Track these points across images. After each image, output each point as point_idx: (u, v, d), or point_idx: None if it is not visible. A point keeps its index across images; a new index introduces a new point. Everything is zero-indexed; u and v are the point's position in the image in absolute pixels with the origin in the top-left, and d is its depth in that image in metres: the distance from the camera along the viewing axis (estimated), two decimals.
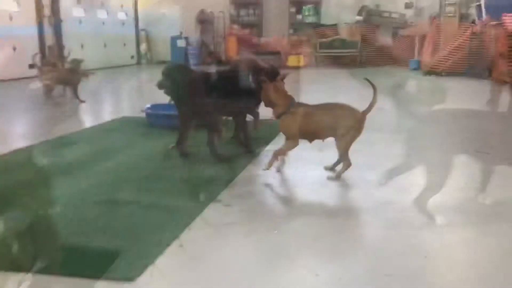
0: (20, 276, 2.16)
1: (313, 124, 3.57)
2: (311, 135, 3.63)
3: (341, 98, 3.95)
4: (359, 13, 15.80)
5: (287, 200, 3.33)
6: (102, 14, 15.52)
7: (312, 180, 3.58)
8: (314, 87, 9.79)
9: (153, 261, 2.28)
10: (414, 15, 15.71)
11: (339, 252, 2.48)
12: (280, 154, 3.65)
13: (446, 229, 2.80)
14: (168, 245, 2.46)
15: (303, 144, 3.67)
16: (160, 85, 3.97)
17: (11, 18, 11.62)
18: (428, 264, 2.34)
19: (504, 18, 9.93)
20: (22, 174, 3.71)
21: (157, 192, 3.29)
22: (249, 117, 4.41)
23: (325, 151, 3.86)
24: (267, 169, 3.59)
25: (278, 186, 3.51)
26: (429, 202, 3.15)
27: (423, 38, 13.53)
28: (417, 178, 3.64)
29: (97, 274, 2.16)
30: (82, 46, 14.31)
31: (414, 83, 11.31)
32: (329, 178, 3.57)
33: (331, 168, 3.68)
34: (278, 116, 3.60)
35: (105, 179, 3.61)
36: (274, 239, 2.60)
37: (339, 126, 3.48)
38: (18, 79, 11.60)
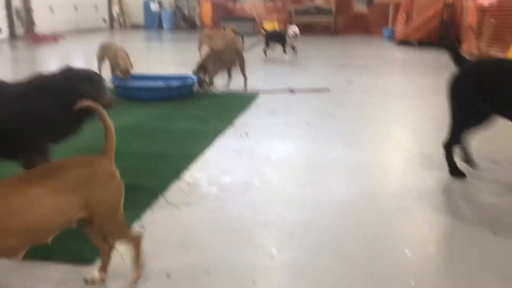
0: None
1: None
2: None
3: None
4: None
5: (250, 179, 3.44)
6: None
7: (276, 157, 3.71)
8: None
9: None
10: None
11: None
12: None
13: None
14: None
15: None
16: None
17: None
18: None
19: None
20: None
21: (121, 170, 3.33)
22: None
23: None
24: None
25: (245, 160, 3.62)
26: None
27: (397, 7, 13.57)
28: None
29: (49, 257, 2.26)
30: (51, 9, 13.94)
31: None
32: None
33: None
34: None
35: (69, 150, 3.64)
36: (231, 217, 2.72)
37: None
38: None
